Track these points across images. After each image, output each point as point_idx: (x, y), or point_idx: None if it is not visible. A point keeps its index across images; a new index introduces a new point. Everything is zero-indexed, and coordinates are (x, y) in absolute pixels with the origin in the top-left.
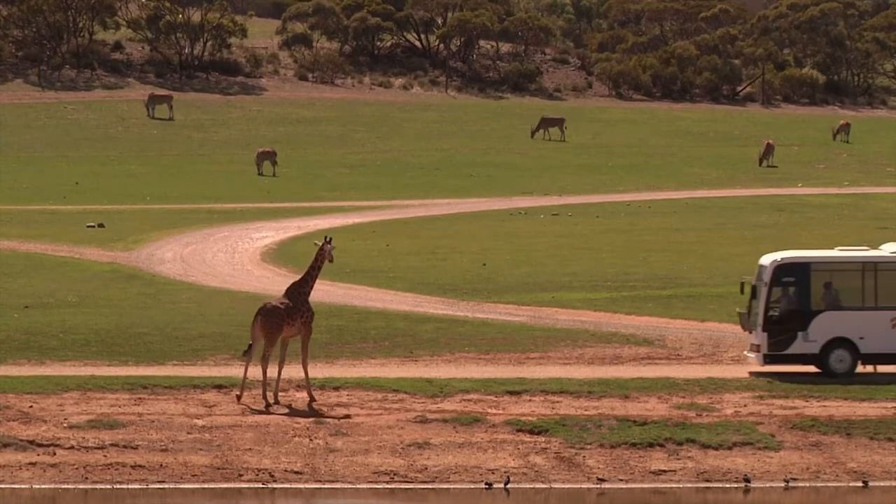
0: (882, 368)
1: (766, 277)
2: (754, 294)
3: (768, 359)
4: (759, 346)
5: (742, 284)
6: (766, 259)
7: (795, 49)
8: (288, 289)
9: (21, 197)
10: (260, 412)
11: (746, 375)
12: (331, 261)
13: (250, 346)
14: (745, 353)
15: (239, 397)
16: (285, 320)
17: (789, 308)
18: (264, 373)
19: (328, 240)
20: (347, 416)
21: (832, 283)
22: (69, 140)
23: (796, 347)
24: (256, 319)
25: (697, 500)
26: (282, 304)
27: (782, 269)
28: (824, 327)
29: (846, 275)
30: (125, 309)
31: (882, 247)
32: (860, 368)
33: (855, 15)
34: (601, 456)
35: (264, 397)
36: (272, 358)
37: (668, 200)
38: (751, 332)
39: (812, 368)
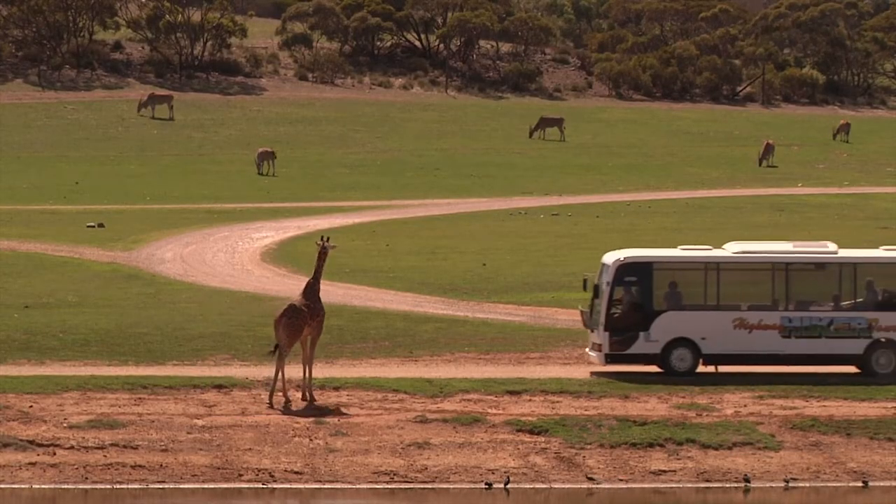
0: (723, 368)
1: (609, 276)
2: (597, 293)
3: (610, 358)
4: (600, 345)
5: (585, 281)
6: (609, 258)
7: (795, 49)
8: (305, 290)
9: (21, 197)
10: (259, 412)
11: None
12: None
13: (276, 346)
14: (587, 351)
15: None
16: (307, 321)
17: (631, 307)
18: (281, 371)
19: (326, 239)
20: (336, 409)
21: (674, 283)
22: (69, 140)
23: (638, 347)
24: (281, 320)
25: (697, 500)
26: (305, 305)
27: (625, 268)
28: (666, 327)
29: (688, 274)
30: (125, 309)
31: (725, 246)
32: (701, 368)
33: (855, 15)
34: (601, 456)
35: (304, 394)
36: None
37: (668, 200)
38: (593, 331)
39: (654, 368)
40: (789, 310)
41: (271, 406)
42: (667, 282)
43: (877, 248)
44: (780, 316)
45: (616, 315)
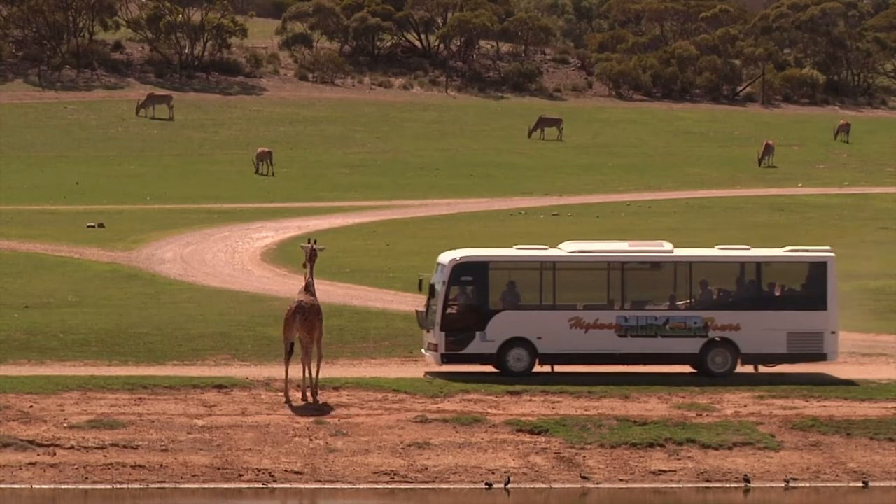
0: (559, 368)
1: (445, 276)
2: (432, 292)
3: (446, 358)
4: (436, 345)
5: (420, 281)
6: (445, 257)
7: (796, 49)
8: (307, 288)
9: (21, 197)
10: (259, 413)
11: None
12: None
13: (292, 345)
14: (423, 351)
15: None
16: (319, 317)
17: (467, 307)
18: (307, 368)
19: (314, 241)
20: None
21: (510, 283)
22: (69, 140)
23: (474, 347)
24: (295, 318)
25: (697, 500)
26: (312, 303)
27: (461, 267)
28: (502, 327)
29: (525, 274)
30: (125, 309)
31: (561, 245)
32: (538, 368)
33: (855, 15)
34: (601, 456)
35: (303, 394)
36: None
37: (668, 200)
38: (429, 332)
39: (490, 368)
40: (625, 309)
41: (289, 403)
42: (503, 281)
43: (781, 247)
44: (615, 315)
45: (452, 315)
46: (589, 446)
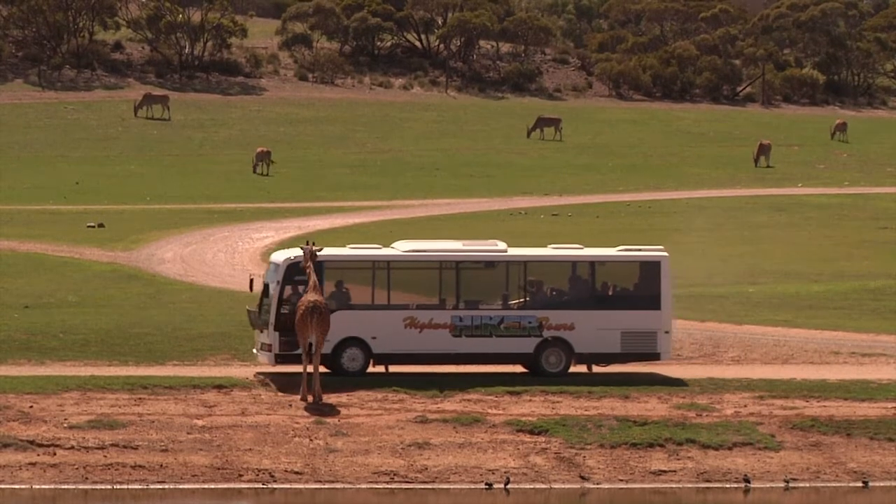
0: (394, 368)
1: (279, 276)
2: (266, 292)
3: (280, 358)
4: (270, 345)
5: (251, 281)
6: (278, 256)
7: (796, 49)
8: (314, 288)
9: (21, 197)
10: (259, 413)
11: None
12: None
13: (311, 345)
14: (255, 351)
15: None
16: (329, 316)
17: None
18: (316, 368)
19: (312, 244)
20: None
21: (343, 282)
22: (69, 140)
23: None
24: (312, 318)
25: (697, 500)
26: (322, 302)
27: (295, 267)
28: (336, 327)
29: (359, 273)
30: (125, 309)
31: (394, 245)
32: (372, 368)
33: (855, 15)
34: (601, 456)
35: (314, 393)
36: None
37: (668, 200)
38: (262, 331)
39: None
40: (460, 309)
41: (306, 401)
42: (337, 281)
43: (615, 247)
44: (450, 315)
45: (286, 315)
46: (589, 446)
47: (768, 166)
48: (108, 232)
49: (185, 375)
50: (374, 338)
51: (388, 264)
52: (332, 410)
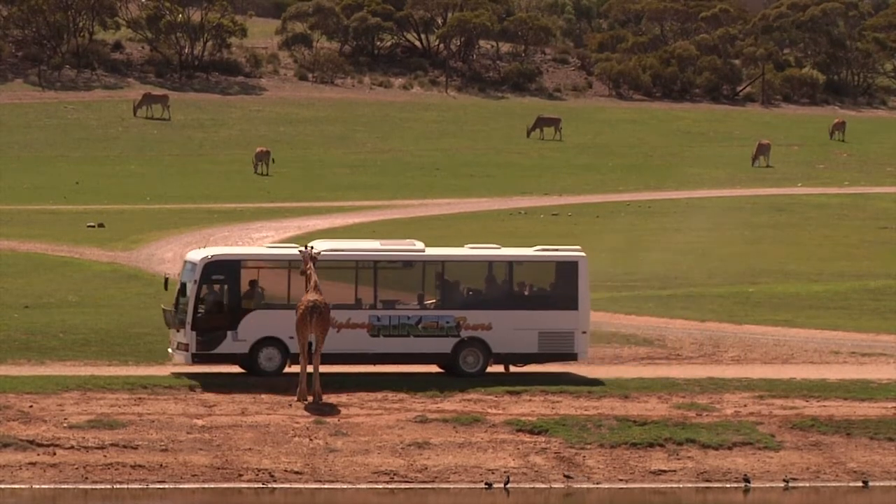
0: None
1: (196, 275)
2: (183, 291)
3: (197, 358)
4: (187, 345)
5: (166, 280)
6: (195, 255)
7: (795, 49)
8: (315, 287)
9: (21, 197)
10: (259, 413)
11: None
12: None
13: (311, 344)
14: (170, 350)
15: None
16: (329, 315)
17: (219, 306)
18: (316, 368)
19: (311, 247)
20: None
21: (261, 282)
22: (69, 140)
23: (226, 347)
24: (312, 317)
25: (697, 500)
26: (323, 301)
27: (212, 266)
28: (254, 326)
29: (276, 273)
30: (125, 309)
31: (312, 244)
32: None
33: (855, 15)
34: (601, 456)
35: (314, 393)
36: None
37: (668, 200)
38: (178, 331)
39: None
40: (377, 308)
41: (306, 401)
42: (254, 280)
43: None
44: (368, 315)
45: (203, 314)
46: (589, 446)
47: (767, 166)
48: (108, 232)
49: (186, 375)
50: (291, 337)
51: None
52: (331, 410)
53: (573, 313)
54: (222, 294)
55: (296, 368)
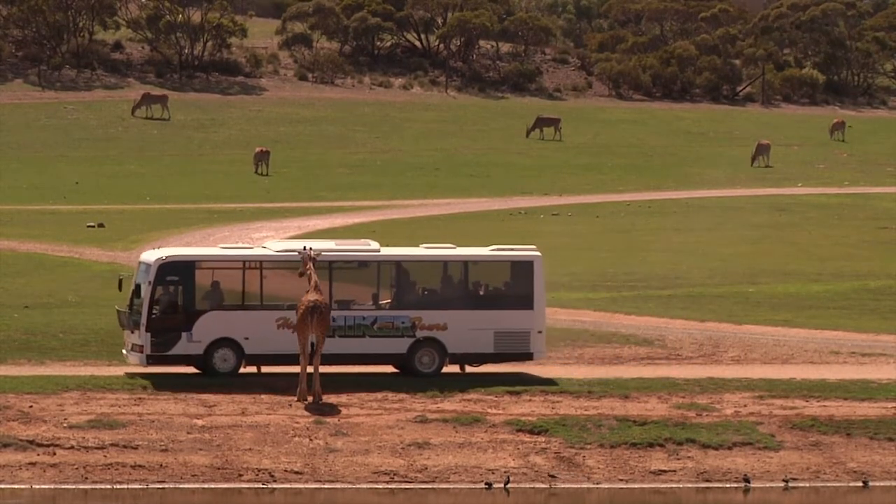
0: (267, 369)
1: (151, 276)
2: (138, 292)
3: (152, 359)
4: (141, 346)
5: (120, 281)
6: (150, 256)
7: (795, 49)
8: (316, 287)
9: (21, 197)
10: (259, 413)
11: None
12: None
13: (313, 345)
14: (124, 352)
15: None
16: (330, 315)
17: (174, 307)
18: (316, 368)
19: (309, 249)
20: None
21: (216, 282)
22: (69, 140)
23: (181, 348)
24: (313, 317)
25: (697, 500)
26: (324, 301)
27: (166, 267)
28: (208, 327)
29: (231, 273)
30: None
31: (266, 244)
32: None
33: (855, 15)
34: (601, 456)
35: (314, 393)
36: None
37: (668, 200)
38: (133, 332)
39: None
40: (332, 309)
41: (306, 401)
42: (209, 281)
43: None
44: None
45: (157, 315)
46: (589, 446)
47: (767, 166)
48: (108, 232)
49: (186, 375)
50: (246, 338)
51: (261, 264)
52: (332, 410)
53: (529, 313)
54: (177, 295)
55: (251, 369)
